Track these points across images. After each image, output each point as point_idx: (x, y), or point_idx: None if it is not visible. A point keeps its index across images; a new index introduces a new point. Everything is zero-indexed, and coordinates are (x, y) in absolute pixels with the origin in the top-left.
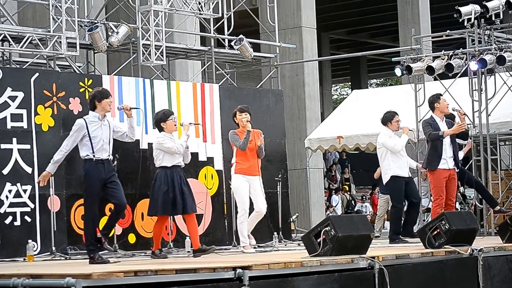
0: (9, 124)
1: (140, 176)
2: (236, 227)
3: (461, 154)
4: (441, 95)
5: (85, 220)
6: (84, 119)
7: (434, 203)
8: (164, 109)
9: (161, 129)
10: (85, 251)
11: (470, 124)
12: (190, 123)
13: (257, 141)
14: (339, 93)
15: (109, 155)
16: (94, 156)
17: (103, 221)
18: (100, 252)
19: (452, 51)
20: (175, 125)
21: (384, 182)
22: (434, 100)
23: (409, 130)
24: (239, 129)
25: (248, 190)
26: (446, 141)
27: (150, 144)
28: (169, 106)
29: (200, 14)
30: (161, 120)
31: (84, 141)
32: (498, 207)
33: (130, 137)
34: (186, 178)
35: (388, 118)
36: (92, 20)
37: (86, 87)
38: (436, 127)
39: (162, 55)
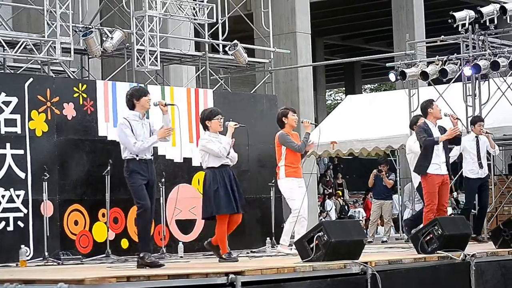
0: (3, 129)
1: None
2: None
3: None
4: (433, 100)
5: (138, 221)
6: (125, 118)
7: (426, 209)
8: (212, 107)
9: (206, 128)
10: (78, 256)
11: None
12: (236, 125)
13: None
14: (333, 98)
15: (152, 155)
16: (137, 155)
17: (96, 227)
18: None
19: (446, 57)
20: (220, 125)
21: (416, 186)
22: (427, 106)
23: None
24: (285, 129)
25: (299, 190)
26: (439, 147)
27: None
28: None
29: (195, 19)
30: (206, 118)
31: None
32: (479, 237)
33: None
34: (236, 177)
35: (413, 122)
36: (87, 25)
37: (80, 92)
38: (430, 132)
39: (157, 60)
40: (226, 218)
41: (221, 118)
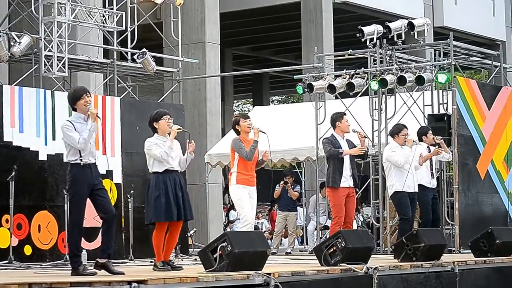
0: None
1: (37, 187)
2: (134, 241)
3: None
4: (344, 114)
5: (69, 228)
6: (69, 120)
7: (333, 221)
8: (160, 109)
9: (154, 130)
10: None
11: (370, 144)
12: (179, 129)
13: (264, 155)
14: (241, 109)
15: (95, 159)
16: (81, 160)
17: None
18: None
19: (354, 70)
20: (168, 125)
21: (389, 196)
22: (336, 119)
23: (413, 142)
24: (241, 135)
25: (250, 200)
26: (346, 160)
27: (49, 156)
28: None
29: (104, 26)
30: (153, 120)
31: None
32: None
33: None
34: (182, 183)
35: (395, 131)
36: None
37: None
38: (337, 145)
39: (64, 67)
40: (165, 226)
41: (169, 118)
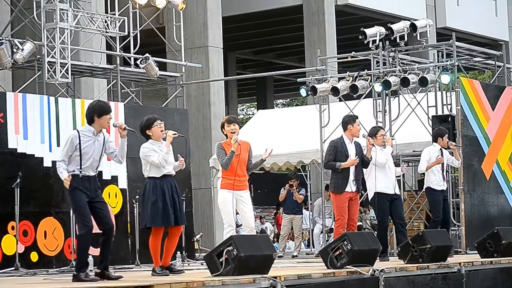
0: None
1: (43, 194)
2: (140, 246)
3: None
4: (357, 117)
5: (80, 242)
6: (77, 130)
7: (336, 223)
8: (149, 115)
9: (147, 137)
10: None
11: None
12: (174, 134)
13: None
14: (245, 113)
15: (96, 172)
16: (80, 172)
17: (5, 240)
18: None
19: (357, 73)
20: (161, 131)
21: (370, 199)
22: (348, 122)
23: (392, 139)
24: (227, 140)
25: (234, 204)
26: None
27: (54, 162)
28: (74, 124)
29: (106, 32)
30: (145, 127)
31: (73, 155)
32: None
33: (119, 159)
34: (177, 187)
35: (373, 133)
36: None
37: None
38: (343, 149)
39: (68, 73)
40: (161, 230)
41: (160, 124)
